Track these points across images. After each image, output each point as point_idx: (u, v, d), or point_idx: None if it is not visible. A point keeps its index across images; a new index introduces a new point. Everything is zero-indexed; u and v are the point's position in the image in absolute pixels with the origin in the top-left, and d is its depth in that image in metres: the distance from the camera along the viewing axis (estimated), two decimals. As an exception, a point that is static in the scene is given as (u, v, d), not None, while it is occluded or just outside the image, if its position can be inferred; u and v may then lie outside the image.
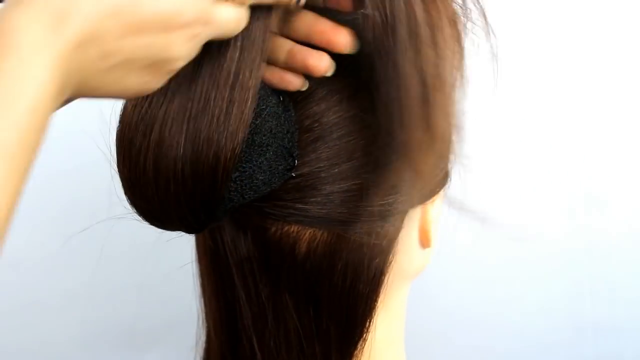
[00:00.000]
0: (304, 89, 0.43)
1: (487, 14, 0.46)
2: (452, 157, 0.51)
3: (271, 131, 0.41)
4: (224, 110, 0.38)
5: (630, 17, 0.87)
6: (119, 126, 0.41)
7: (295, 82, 0.42)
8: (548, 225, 0.92)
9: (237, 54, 0.39)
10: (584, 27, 0.87)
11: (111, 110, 0.44)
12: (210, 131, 0.38)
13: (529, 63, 0.86)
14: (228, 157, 0.38)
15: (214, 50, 0.39)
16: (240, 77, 0.39)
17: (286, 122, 0.42)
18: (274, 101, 0.41)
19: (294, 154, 0.42)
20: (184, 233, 0.48)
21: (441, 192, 0.50)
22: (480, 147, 0.51)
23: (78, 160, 0.80)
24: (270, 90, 0.42)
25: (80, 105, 0.57)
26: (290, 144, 0.42)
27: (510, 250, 0.93)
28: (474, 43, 0.47)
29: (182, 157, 0.38)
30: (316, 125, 0.43)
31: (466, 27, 0.46)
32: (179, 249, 0.53)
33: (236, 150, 0.39)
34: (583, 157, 0.90)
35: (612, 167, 0.91)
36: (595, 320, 0.95)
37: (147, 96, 0.39)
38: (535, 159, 0.90)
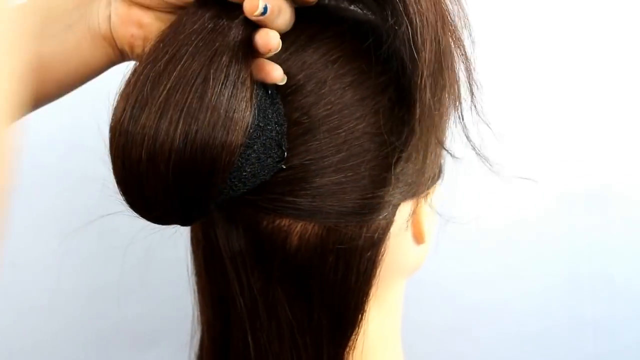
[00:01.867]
0: (282, 82, 0.43)
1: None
2: (444, 153, 0.52)
3: (258, 124, 0.41)
4: (227, 108, 0.39)
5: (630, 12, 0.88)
6: (112, 120, 0.41)
7: (273, 73, 0.42)
8: (548, 225, 0.92)
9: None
10: (586, 23, 0.87)
11: (104, 107, 0.45)
12: (210, 128, 0.38)
13: (529, 61, 0.87)
14: (230, 155, 0.39)
15: (209, 45, 0.40)
16: (241, 74, 0.40)
17: (274, 114, 0.42)
18: (260, 94, 0.42)
19: (283, 147, 0.43)
20: (180, 232, 0.48)
21: (434, 188, 0.50)
22: (480, 146, 0.52)
23: (76, 160, 0.81)
24: (257, 84, 0.42)
25: (74, 105, 0.58)
26: (279, 136, 0.42)
27: (510, 249, 0.93)
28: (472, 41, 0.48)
29: (179, 153, 0.38)
30: (305, 118, 0.43)
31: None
32: (179, 249, 0.54)
33: (238, 149, 0.39)
34: (583, 156, 0.90)
35: (613, 166, 0.90)
36: (595, 320, 0.94)
37: (141, 89, 0.39)
38: (535, 157, 0.90)
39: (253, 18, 0.40)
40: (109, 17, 0.46)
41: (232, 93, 0.39)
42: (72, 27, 0.46)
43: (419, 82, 0.42)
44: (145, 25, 0.45)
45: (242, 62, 0.40)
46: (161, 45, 0.40)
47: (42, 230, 0.83)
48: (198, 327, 0.51)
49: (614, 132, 0.90)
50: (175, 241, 0.52)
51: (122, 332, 0.89)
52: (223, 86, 0.39)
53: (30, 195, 0.81)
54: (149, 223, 0.43)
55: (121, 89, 0.40)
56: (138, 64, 0.40)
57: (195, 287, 0.50)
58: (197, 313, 0.51)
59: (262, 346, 0.46)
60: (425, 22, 0.41)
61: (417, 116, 0.43)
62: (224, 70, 0.39)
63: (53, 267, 0.83)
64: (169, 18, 0.44)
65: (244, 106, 0.39)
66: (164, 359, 0.90)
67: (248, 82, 0.40)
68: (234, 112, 0.39)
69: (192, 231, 0.50)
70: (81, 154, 0.81)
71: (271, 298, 0.46)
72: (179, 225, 0.44)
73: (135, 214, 0.42)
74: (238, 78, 0.39)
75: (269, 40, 0.41)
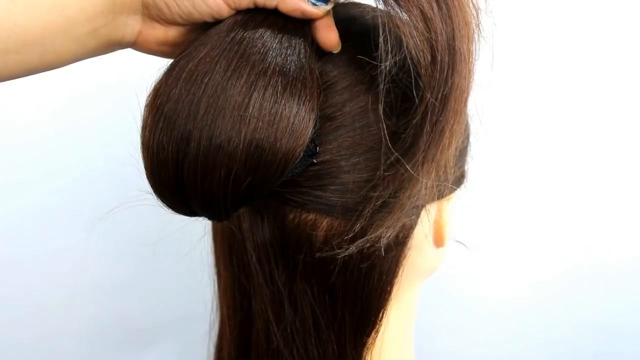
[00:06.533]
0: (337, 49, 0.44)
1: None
2: (468, 158, 0.52)
3: None
4: (293, 114, 0.39)
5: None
6: (159, 115, 0.40)
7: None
8: (548, 225, 0.92)
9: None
10: (579, 39, 0.87)
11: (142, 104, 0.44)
12: (274, 131, 0.39)
13: (529, 60, 0.87)
14: (293, 159, 0.40)
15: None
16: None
17: None
18: None
19: (316, 141, 0.42)
20: (180, 234, 0.48)
21: (457, 192, 0.50)
22: (480, 148, 0.52)
23: (80, 160, 0.80)
24: None
25: (82, 108, 0.57)
26: (313, 131, 0.42)
27: (510, 249, 0.93)
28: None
29: (244, 157, 0.38)
30: (338, 114, 0.43)
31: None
32: (179, 249, 0.53)
33: (300, 154, 0.40)
34: (583, 157, 0.90)
35: (613, 167, 0.90)
36: (595, 320, 0.95)
37: (190, 88, 0.39)
38: (535, 158, 0.90)
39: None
40: (140, 32, 0.45)
41: (298, 101, 0.40)
42: (95, 33, 0.45)
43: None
44: (177, 43, 0.45)
45: (311, 74, 0.41)
46: (220, 50, 0.40)
47: (45, 229, 0.82)
48: (217, 318, 0.50)
49: (615, 131, 0.90)
50: (178, 242, 0.52)
51: (122, 330, 0.89)
52: (290, 94, 0.39)
53: (34, 194, 0.80)
54: (152, 223, 0.42)
55: (182, 89, 0.40)
56: (193, 65, 0.40)
57: (215, 278, 0.50)
58: (216, 304, 0.50)
59: (287, 338, 0.46)
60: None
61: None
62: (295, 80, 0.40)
63: (55, 266, 0.83)
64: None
65: (307, 114, 0.39)
66: (167, 356, 0.91)
67: (316, 92, 0.40)
68: (298, 119, 0.39)
69: (214, 222, 0.50)
70: (90, 157, 0.80)
71: (295, 291, 0.45)
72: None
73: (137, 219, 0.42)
74: (305, 87, 0.40)
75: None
